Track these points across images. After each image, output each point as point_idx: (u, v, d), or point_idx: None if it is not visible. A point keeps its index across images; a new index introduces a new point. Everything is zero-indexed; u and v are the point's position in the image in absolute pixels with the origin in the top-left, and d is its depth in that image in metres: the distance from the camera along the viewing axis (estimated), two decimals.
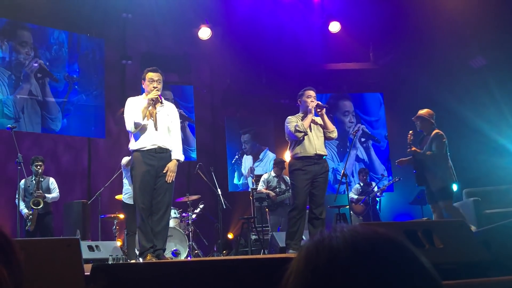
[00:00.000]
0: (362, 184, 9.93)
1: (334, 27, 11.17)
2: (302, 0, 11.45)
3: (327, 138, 6.06)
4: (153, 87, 5.26)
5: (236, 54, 11.11)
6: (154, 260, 4.90)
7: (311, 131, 5.91)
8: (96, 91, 10.58)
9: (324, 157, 5.99)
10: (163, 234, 5.17)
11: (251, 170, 11.61)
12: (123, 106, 5.44)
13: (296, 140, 5.90)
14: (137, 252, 6.63)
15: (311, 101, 5.98)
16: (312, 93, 6.06)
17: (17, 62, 9.74)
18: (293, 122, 5.94)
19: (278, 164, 9.09)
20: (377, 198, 9.80)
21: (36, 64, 9.97)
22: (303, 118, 5.99)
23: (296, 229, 5.75)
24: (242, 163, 11.74)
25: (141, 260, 5.09)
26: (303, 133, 5.82)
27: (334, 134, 6.07)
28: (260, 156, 11.78)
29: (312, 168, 5.86)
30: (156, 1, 10.31)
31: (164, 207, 5.16)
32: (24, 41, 9.90)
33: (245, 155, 11.80)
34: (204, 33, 10.67)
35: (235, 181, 11.61)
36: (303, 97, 6.07)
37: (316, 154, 5.88)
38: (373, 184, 10.10)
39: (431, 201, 6.72)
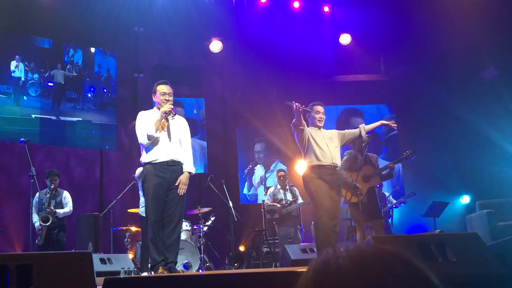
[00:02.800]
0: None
1: (345, 39, 11.20)
2: (313, 12, 11.50)
3: None
4: (165, 100, 5.29)
5: (247, 67, 11.16)
6: (165, 273, 4.89)
7: (323, 143, 5.80)
8: (109, 109, 10.69)
9: (338, 168, 5.87)
10: (174, 247, 5.16)
11: (262, 180, 11.60)
12: (135, 119, 5.46)
13: (311, 148, 5.75)
14: (149, 265, 6.64)
15: (319, 117, 5.94)
16: (320, 108, 5.99)
17: (32, 82, 9.87)
18: None
19: (279, 175, 9.08)
20: (391, 210, 9.65)
21: (51, 84, 10.10)
22: (315, 132, 5.89)
23: (329, 239, 5.47)
24: (254, 173, 11.74)
25: (152, 273, 5.09)
26: (302, 128, 5.74)
27: None
28: (272, 167, 11.76)
29: (330, 178, 5.69)
30: (167, 15, 10.40)
31: (175, 220, 5.16)
32: (39, 61, 10.02)
33: (258, 165, 11.80)
34: (215, 46, 10.73)
35: (245, 191, 11.60)
36: (312, 113, 5.98)
37: (333, 163, 5.74)
38: (387, 194, 9.94)
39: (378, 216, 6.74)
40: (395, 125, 6.29)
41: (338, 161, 5.82)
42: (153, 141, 5.19)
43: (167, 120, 5.27)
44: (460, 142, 10.89)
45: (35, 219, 7.56)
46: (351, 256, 0.83)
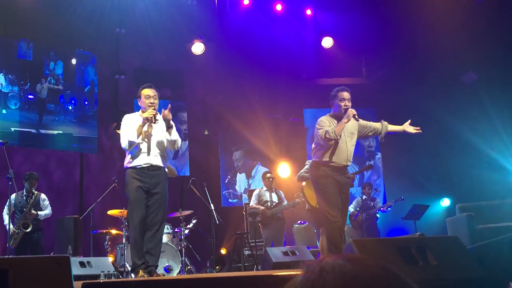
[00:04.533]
0: (364, 198, 9.72)
1: (327, 42, 11.23)
2: (295, 15, 11.53)
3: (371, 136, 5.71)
4: (150, 103, 5.26)
5: (230, 69, 11.14)
6: (146, 276, 4.86)
7: (343, 140, 5.37)
8: (90, 122, 10.57)
9: (348, 168, 5.52)
10: (156, 251, 5.15)
11: (245, 190, 11.58)
12: (116, 121, 5.46)
13: (328, 146, 5.32)
14: (129, 268, 6.58)
15: (345, 105, 5.42)
16: (346, 94, 5.51)
17: (12, 94, 9.73)
18: (325, 126, 5.32)
19: (266, 177, 9.02)
20: (378, 214, 9.67)
21: (31, 97, 9.96)
22: (337, 122, 5.39)
23: (338, 239, 5.11)
24: (237, 183, 11.70)
25: (133, 276, 5.05)
26: (333, 141, 5.24)
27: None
28: (253, 173, 11.73)
29: (340, 178, 5.34)
30: (149, 16, 10.34)
31: (157, 224, 5.17)
32: (19, 73, 9.88)
33: (238, 173, 11.75)
34: (198, 48, 10.68)
35: (230, 200, 11.55)
36: (336, 100, 5.50)
37: (346, 164, 5.38)
38: (377, 199, 9.92)
39: None
40: (419, 130, 5.68)
41: (350, 161, 5.46)
42: (135, 147, 5.21)
43: (150, 125, 5.26)
44: (441, 146, 10.99)
45: (7, 220, 7.40)
46: (336, 278, 0.80)
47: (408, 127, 5.68)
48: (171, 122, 5.30)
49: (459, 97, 10.60)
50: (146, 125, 5.24)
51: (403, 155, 11.30)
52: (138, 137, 5.17)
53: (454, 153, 10.69)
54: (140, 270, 4.97)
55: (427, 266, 3.30)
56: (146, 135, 5.25)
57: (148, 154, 5.22)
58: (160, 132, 5.32)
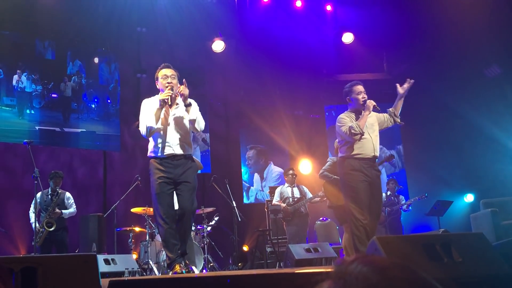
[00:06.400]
0: (388, 194, 9.64)
1: (348, 38, 11.18)
2: (315, 11, 11.49)
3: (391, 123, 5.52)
4: (167, 83, 5.00)
5: (250, 66, 11.15)
6: (184, 270, 4.75)
7: (365, 131, 5.22)
8: (113, 120, 10.68)
9: (377, 160, 5.38)
10: (184, 238, 4.96)
11: (260, 189, 11.63)
12: (138, 119, 5.32)
13: (353, 140, 5.21)
14: (152, 265, 6.61)
15: (363, 97, 5.34)
16: (361, 87, 5.41)
17: (36, 93, 9.87)
18: (347, 123, 5.25)
19: (289, 174, 8.99)
20: (401, 208, 9.60)
21: (54, 95, 10.10)
22: (356, 117, 5.31)
23: (365, 242, 4.77)
24: (254, 182, 11.72)
25: (170, 272, 4.94)
26: (359, 135, 5.13)
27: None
28: (264, 174, 11.72)
29: (370, 171, 5.15)
30: (169, 15, 10.40)
31: (185, 214, 4.93)
32: (42, 72, 10.01)
33: (255, 173, 11.79)
34: (218, 46, 10.71)
35: (245, 200, 11.58)
36: (353, 94, 5.39)
37: (374, 155, 5.25)
38: (401, 197, 9.84)
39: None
40: (409, 82, 5.75)
41: (378, 152, 5.33)
42: (156, 134, 4.96)
43: (170, 107, 4.98)
44: (464, 141, 10.87)
45: (33, 219, 7.51)
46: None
47: (400, 91, 5.66)
48: (189, 100, 4.95)
49: (482, 91, 10.47)
50: (164, 110, 4.92)
51: (426, 150, 11.21)
52: (157, 122, 4.88)
53: (477, 148, 10.57)
54: (177, 265, 4.77)
55: (452, 263, 3.28)
56: (167, 121, 4.96)
57: (170, 143, 4.93)
58: (181, 117, 5.03)
